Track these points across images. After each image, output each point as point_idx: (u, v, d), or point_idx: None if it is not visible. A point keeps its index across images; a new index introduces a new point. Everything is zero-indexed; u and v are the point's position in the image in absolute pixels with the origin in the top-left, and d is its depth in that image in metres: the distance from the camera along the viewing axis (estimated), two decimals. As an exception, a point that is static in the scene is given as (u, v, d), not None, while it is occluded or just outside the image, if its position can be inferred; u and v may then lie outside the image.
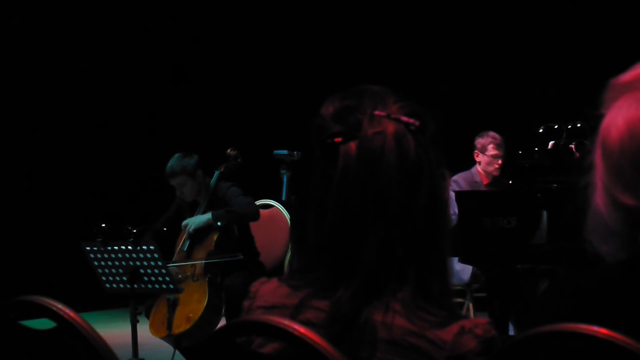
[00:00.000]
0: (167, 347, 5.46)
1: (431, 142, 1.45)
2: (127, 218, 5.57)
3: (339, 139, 1.44)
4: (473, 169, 6.49)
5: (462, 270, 6.17)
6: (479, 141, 6.49)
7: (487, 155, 6.43)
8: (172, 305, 5.22)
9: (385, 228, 1.40)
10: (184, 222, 5.45)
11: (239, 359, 1.34)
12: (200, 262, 5.37)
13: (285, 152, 6.63)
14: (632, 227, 1.27)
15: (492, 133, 6.50)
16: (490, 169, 6.44)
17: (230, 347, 1.31)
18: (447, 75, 8.94)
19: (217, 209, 5.45)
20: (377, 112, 1.44)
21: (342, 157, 1.43)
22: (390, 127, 1.43)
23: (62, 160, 8.97)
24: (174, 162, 5.51)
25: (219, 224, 5.37)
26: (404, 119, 1.44)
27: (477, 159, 6.49)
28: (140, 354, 4.93)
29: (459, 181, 6.37)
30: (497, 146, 6.44)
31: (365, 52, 9.25)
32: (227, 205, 5.46)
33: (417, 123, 1.44)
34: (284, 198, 6.47)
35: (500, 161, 6.44)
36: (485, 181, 6.46)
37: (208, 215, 5.39)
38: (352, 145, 1.43)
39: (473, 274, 6.20)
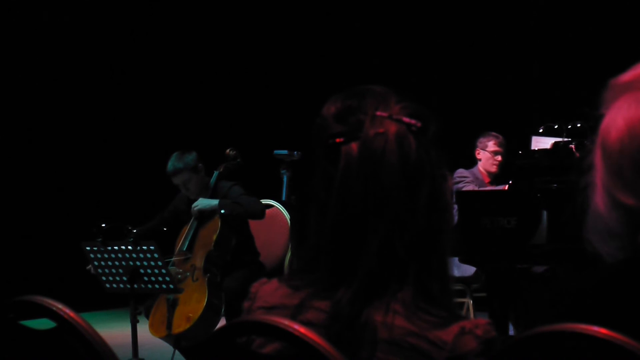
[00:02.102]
0: (167, 347, 5.46)
1: (433, 143, 1.45)
2: (127, 218, 5.57)
3: (340, 140, 1.44)
4: (474, 168, 6.54)
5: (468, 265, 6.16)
6: (481, 140, 6.60)
7: (487, 151, 6.50)
8: (172, 305, 5.22)
9: (386, 229, 1.40)
10: (194, 204, 5.45)
11: (238, 359, 1.34)
12: (200, 262, 5.37)
13: (285, 152, 6.63)
14: (632, 227, 1.27)
15: (494, 133, 6.61)
16: (489, 164, 6.50)
17: (230, 347, 1.31)
18: (447, 75, 8.94)
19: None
20: (378, 113, 1.44)
21: (344, 158, 1.43)
22: (392, 128, 1.43)
23: (62, 160, 8.97)
24: (174, 160, 5.49)
25: (222, 211, 5.36)
26: (406, 119, 1.44)
27: (478, 156, 6.56)
28: (140, 354, 4.93)
29: (465, 173, 6.41)
30: (499, 144, 6.53)
31: (366, 52, 9.25)
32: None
33: (419, 124, 1.44)
34: (284, 198, 6.47)
35: (499, 158, 6.50)
36: (487, 179, 6.51)
37: (215, 201, 5.40)
38: (354, 145, 1.43)
39: (477, 270, 6.20)
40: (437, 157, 1.45)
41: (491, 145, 6.51)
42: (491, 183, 6.50)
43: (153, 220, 5.71)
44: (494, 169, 6.51)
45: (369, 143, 1.42)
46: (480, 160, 6.55)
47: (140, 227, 5.43)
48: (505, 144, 6.54)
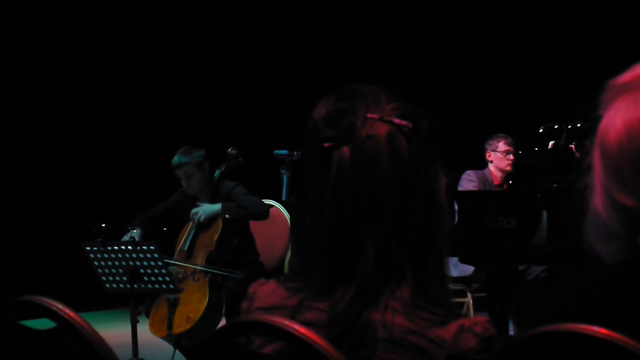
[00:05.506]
0: (167, 347, 5.46)
1: (425, 143, 1.45)
2: (127, 218, 5.57)
3: (332, 144, 1.44)
4: (485, 169, 6.59)
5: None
6: (490, 142, 6.66)
7: (499, 152, 6.57)
8: (173, 305, 5.22)
9: (382, 231, 1.40)
10: (194, 210, 5.43)
11: (238, 359, 1.34)
12: (201, 262, 5.37)
13: (285, 152, 6.63)
14: (631, 228, 1.27)
15: (502, 134, 6.68)
16: (503, 164, 6.57)
17: (230, 347, 1.31)
18: (447, 75, 8.93)
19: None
20: (369, 115, 1.43)
21: (336, 162, 1.43)
22: (383, 130, 1.42)
23: (62, 160, 8.97)
24: (182, 153, 5.51)
25: (227, 216, 5.36)
26: (397, 121, 1.43)
27: (490, 158, 6.62)
28: (140, 354, 4.93)
29: (472, 175, 6.45)
30: (509, 143, 6.61)
31: (365, 51, 9.25)
32: (232, 204, 5.46)
33: (410, 125, 1.44)
34: (284, 198, 6.46)
35: (512, 157, 6.54)
36: (496, 181, 6.54)
37: (218, 206, 5.39)
38: (345, 150, 1.43)
39: (476, 269, 6.21)
40: (430, 156, 1.45)
41: (502, 146, 6.58)
42: (500, 186, 6.52)
43: (156, 208, 5.68)
44: (508, 167, 6.57)
45: (361, 146, 1.42)
46: (492, 162, 6.61)
47: (141, 216, 5.42)
48: (514, 144, 6.61)
